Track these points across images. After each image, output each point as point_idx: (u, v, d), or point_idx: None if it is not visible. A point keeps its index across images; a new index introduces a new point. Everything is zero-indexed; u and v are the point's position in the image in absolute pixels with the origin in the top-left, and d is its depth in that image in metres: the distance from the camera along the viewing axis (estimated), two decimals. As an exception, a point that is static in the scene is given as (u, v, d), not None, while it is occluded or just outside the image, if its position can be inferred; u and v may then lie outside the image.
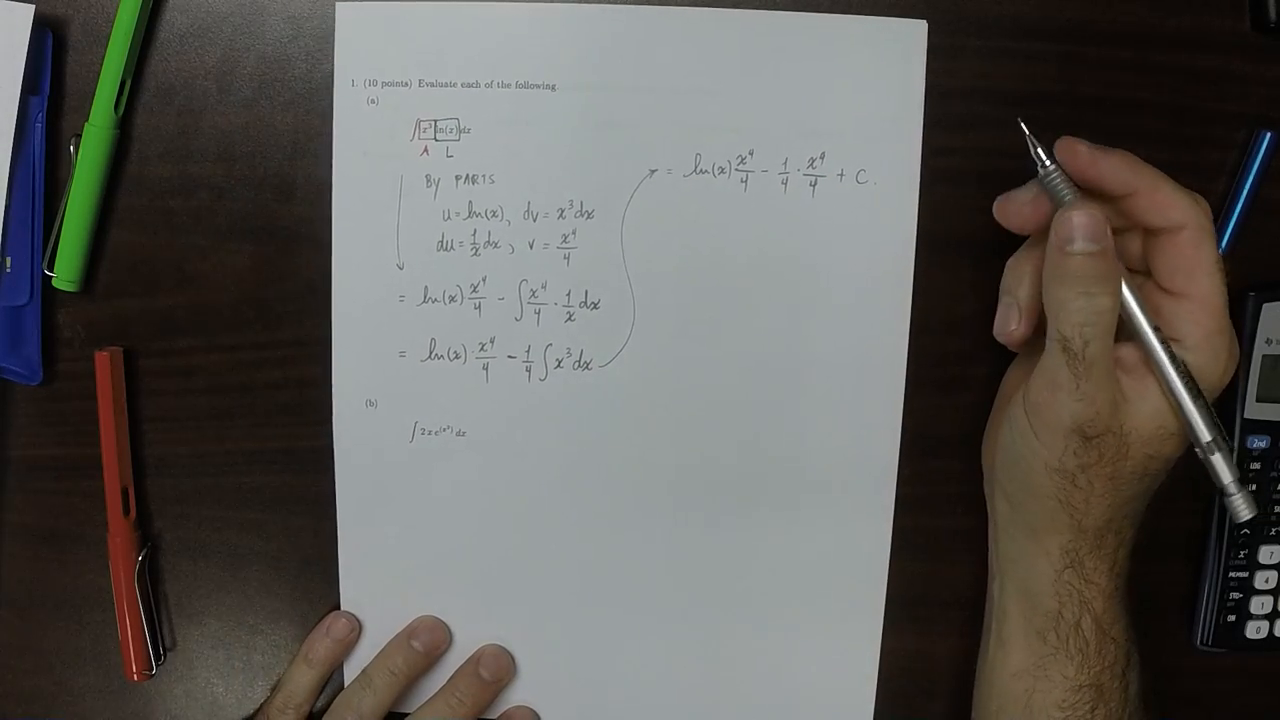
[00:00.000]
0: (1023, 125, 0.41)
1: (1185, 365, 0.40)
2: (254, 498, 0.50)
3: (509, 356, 0.48)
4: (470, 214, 0.47)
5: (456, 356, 0.48)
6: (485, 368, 0.48)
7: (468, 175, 0.47)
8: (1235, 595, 0.51)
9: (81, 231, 0.46)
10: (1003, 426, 0.45)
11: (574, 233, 0.47)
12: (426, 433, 0.48)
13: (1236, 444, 0.50)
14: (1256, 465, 0.50)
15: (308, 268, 0.48)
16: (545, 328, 0.48)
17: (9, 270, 0.46)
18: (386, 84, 0.46)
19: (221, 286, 0.48)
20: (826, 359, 0.48)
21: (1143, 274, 0.42)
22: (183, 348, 0.49)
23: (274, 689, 0.51)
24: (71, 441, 0.49)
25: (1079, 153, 0.40)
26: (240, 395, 0.49)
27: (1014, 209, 0.42)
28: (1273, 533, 0.51)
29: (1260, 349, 0.49)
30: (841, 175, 0.47)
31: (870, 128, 0.47)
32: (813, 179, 0.47)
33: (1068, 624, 0.44)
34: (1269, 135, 0.48)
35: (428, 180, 0.47)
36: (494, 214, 0.47)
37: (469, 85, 0.46)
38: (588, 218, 0.47)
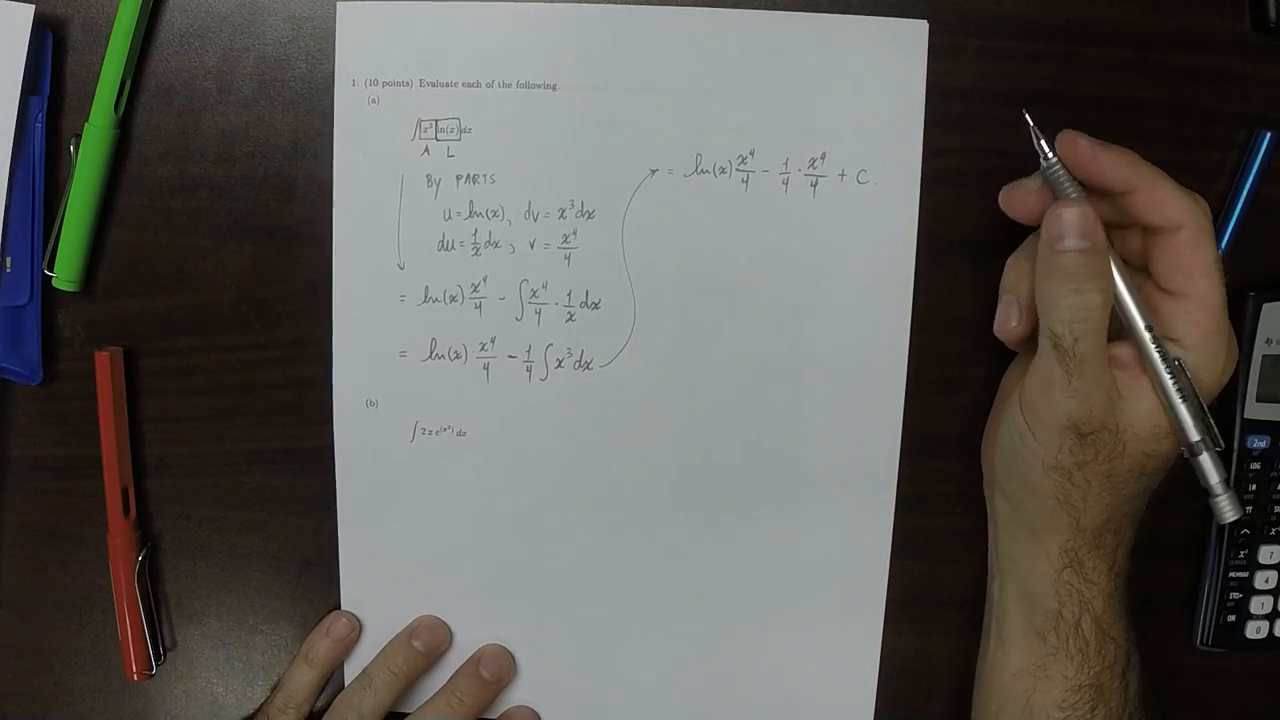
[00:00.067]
0: (1027, 116, 0.41)
1: (1181, 365, 0.40)
2: (254, 498, 0.50)
3: (510, 356, 0.48)
4: (471, 214, 0.47)
5: (457, 356, 0.48)
6: (486, 368, 0.48)
7: (468, 175, 0.47)
8: (1235, 595, 0.51)
9: (81, 231, 0.46)
10: (1001, 425, 0.45)
11: (575, 233, 0.47)
12: (427, 433, 0.48)
13: (1236, 444, 0.50)
14: (1256, 465, 0.50)
15: (308, 268, 0.48)
16: (546, 328, 0.48)
17: (9, 270, 0.46)
18: (387, 84, 0.46)
19: (221, 286, 0.48)
20: (827, 359, 0.48)
21: (1142, 273, 0.42)
22: (183, 348, 0.49)
23: (274, 689, 0.51)
24: (71, 441, 0.49)
25: (1079, 147, 0.40)
26: (240, 395, 0.49)
27: (1018, 198, 0.42)
28: (1273, 533, 0.51)
29: (1260, 349, 0.49)
30: (842, 175, 0.47)
31: (871, 128, 0.47)
32: (813, 179, 0.47)
33: (1067, 624, 0.44)
34: (1269, 135, 0.48)
35: (428, 180, 0.47)
36: (495, 214, 0.47)
37: (470, 85, 0.46)
38: (588, 218, 0.47)
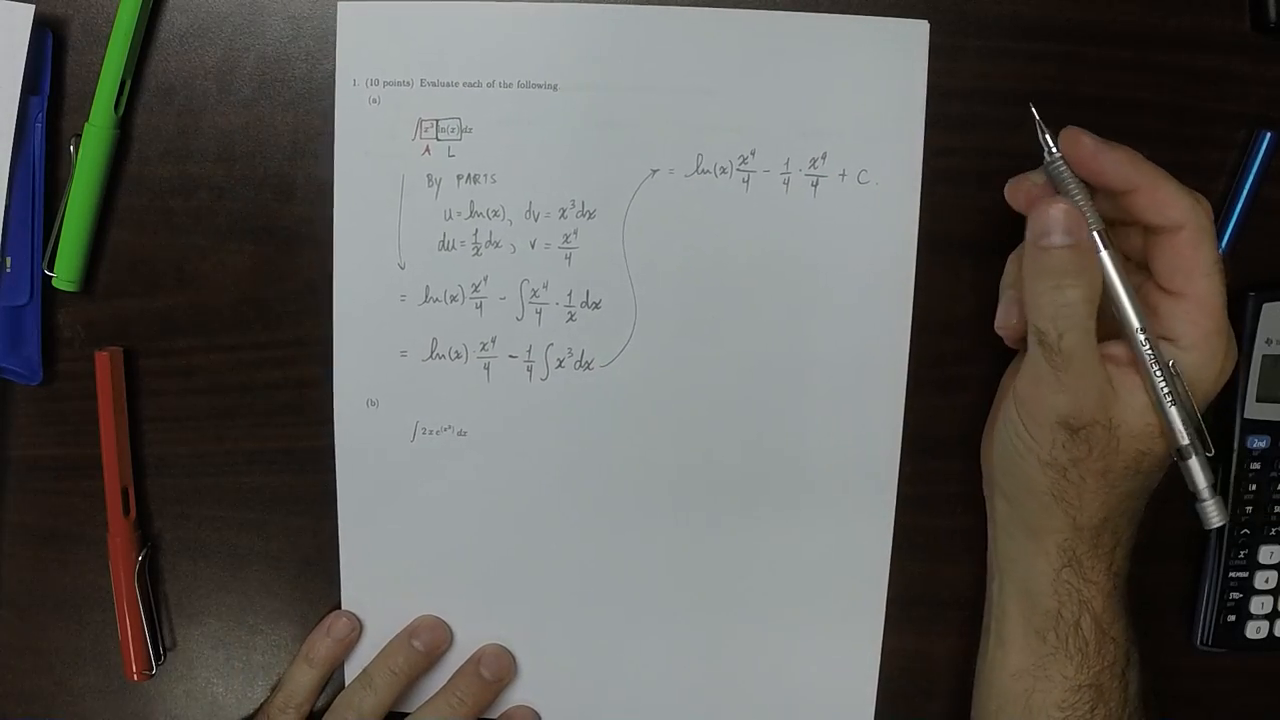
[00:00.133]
0: (1033, 111, 0.41)
1: (1175, 367, 0.40)
2: (254, 498, 0.50)
3: (510, 356, 0.48)
4: (472, 213, 0.47)
5: (458, 356, 0.48)
6: (486, 367, 0.48)
7: (469, 175, 0.47)
8: (1235, 595, 0.51)
9: (81, 231, 0.46)
10: (998, 422, 0.45)
11: (575, 232, 0.47)
12: (428, 432, 0.48)
13: (1236, 444, 0.50)
14: (1256, 465, 0.50)
15: (308, 268, 0.48)
16: (546, 327, 0.48)
17: (9, 270, 0.46)
18: (388, 83, 0.46)
19: (221, 286, 0.48)
20: (828, 359, 0.48)
21: (1143, 272, 0.42)
22: (183, 348, 0.49)
23: (274, 689, 0.51)
24: (71, 441, 0.49)
25: (1082, 144, 0.40)
26: (240, 395, 0.49)
27: (1022, 190, 0.42)
28: (1273, 533, 0.51)
29: (1260, 349, 0.49)
30: (843, 175, 0.47)
31: (872, 128, 0.47)
32: (814, 179, 0.47)
33: (1067, 623, 0.44)
34: (1269, 135, 0.48)
35: (429, 180, 0.47)
36: (495, 214, 0.47)
37: (471, 85, 0.46)
38: (589, 217, 0.47)
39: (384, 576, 0.50)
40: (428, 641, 0.50)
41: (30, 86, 0.45)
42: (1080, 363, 0.40)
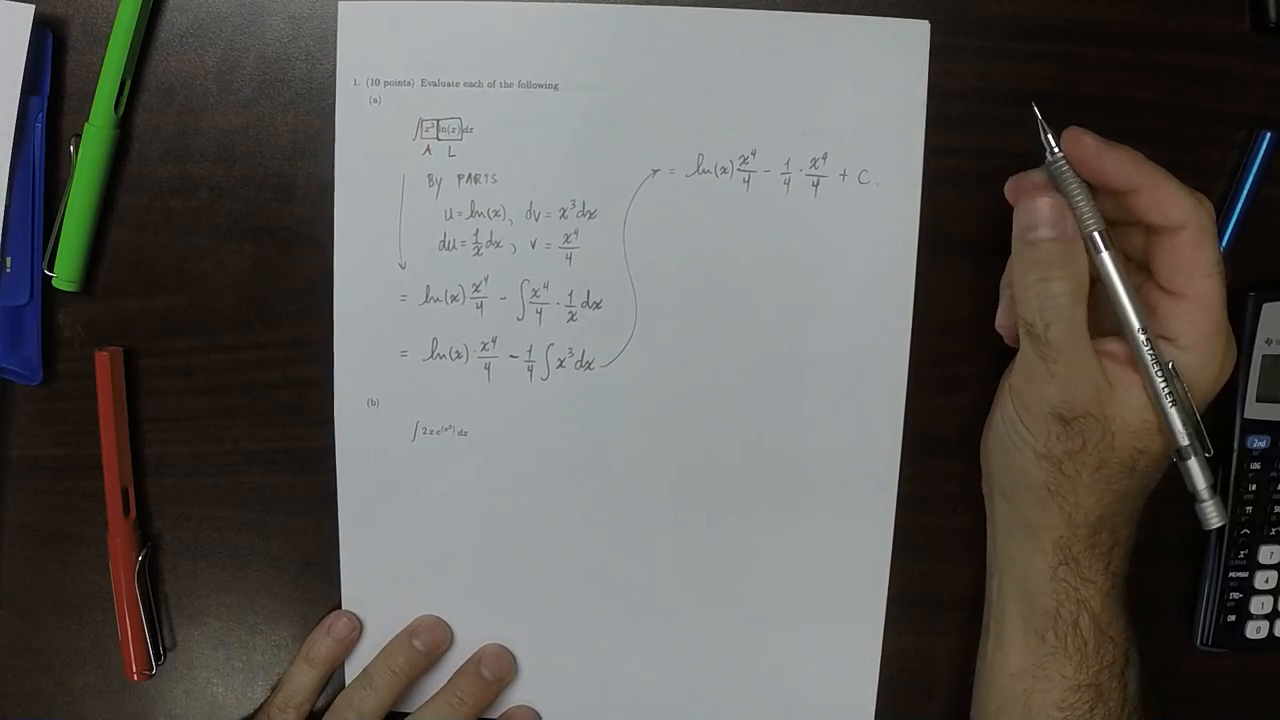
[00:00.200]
0: (1035, 110, 0.41)
1: (1175, 368, 0.40)
2: (254, 498, 0.50)
3: (511, 356, 0.48)
4: (472, 213, 0.47)
5: (458, 356, 0.48)
6: (487, 367, 0.48)
7: (470, 175, 0.47)
8: (1235, 595, 0.51)
9: (81, 231, 0.46)
10: (996, 420, 0.45)
11: (576, 232, 0.47)
12: (428, 432, 0.48)
13: (1236, 444, 0.50)
14: (1256, 465, 0.50)
15: (308, 268, 0.48)
16: (547, 327, 0.48)
17: (9, 270, 0.46)
18: (389, 83, 0.46)
19: (221, 286, 0.48)
20: (828, 359, 0.48)
21: (1143, 271, 0.42)
22: (183, 348, 0.49)
23: (274, 688, 0.51)
24: (71, 441, 0.49)
25: (1084, 144, 0.40)
26: (240, 395, 0.49)
27: (1023, 189, 0.42)
28: (1273, 533, 0.51)
29: (1260, 349, 0.49)
30: (844, 175, 0.47)
31: (872, 128, 0.47)
32: (815, 179, 0.47)
33: (1066, 623, 0.44)
34: (1269, 135, 0.48)
35: (430, 179, 0.47)
36: (496, 213, 0.47)
37: (471, 85, 0.46)
38: (590, 217, 0.47)
39: (384, 576, 0.50)
40: (428, 641, 0.50)
41: (30, 86, 0.45)
42: (1069, 354, 0.40)
